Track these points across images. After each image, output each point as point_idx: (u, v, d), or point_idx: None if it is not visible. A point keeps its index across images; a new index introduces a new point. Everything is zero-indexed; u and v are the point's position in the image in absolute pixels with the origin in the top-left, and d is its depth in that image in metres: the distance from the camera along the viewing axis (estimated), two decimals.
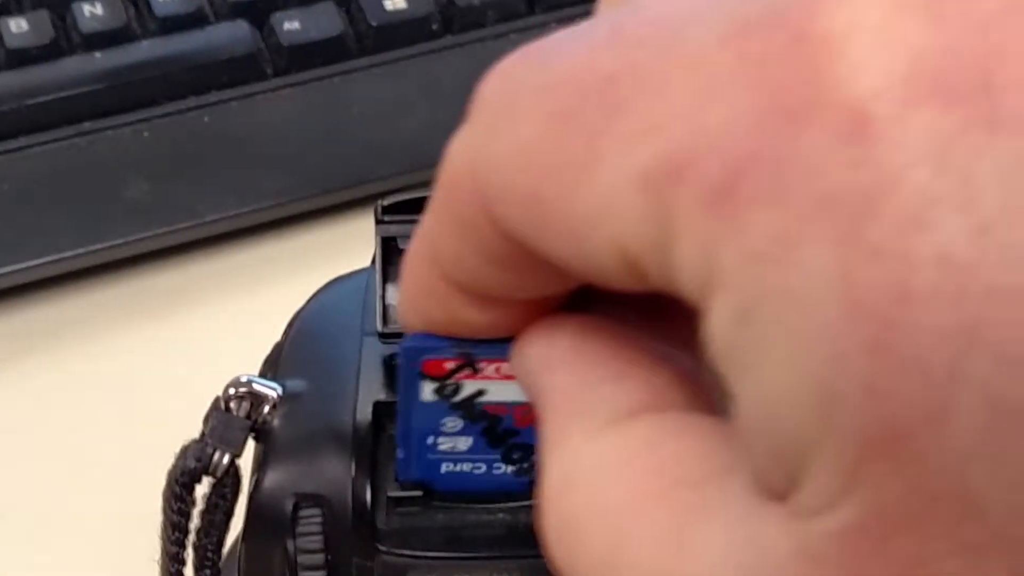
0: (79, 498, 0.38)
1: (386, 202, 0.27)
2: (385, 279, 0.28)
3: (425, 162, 0.44)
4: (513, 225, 0.17)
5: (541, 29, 0.46)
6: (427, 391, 0.25)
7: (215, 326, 0.42)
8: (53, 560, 0.37)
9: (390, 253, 0.28)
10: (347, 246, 0.38)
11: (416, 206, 0.28)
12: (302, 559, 0.26)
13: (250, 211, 0.43)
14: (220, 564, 0.28)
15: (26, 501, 0.38)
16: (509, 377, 0.24)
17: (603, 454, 0.17)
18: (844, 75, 0.14)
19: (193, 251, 0.43)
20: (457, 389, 0.25)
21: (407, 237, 0.27)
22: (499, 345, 0.25)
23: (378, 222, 0.27)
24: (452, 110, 0.44)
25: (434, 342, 0.24)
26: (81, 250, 0.41)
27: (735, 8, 0.15)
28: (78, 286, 0.42)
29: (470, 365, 0.24)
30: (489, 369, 0.24)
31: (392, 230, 0.27)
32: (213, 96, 0.44)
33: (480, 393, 0.25)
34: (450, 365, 0.24)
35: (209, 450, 0.27)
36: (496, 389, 0.25)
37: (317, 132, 0.44)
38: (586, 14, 0.49)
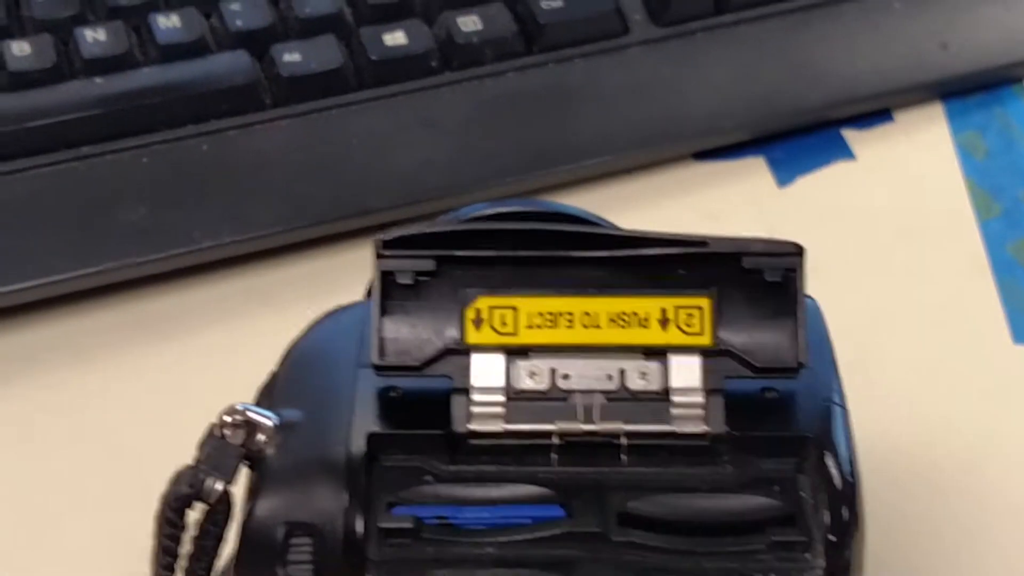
0: (69, 522, 0.38)
1: (386, 237, 0.28)
2: (383, 312, 0.28)
3: (421, 195, 0.45)
4: None
5: (540, 68, 0.47)
6: None
7: (208, 353, 0.42)
8: None
9: (388, 287, 0.28)
10: (341, 277, 0.38)
11: (415, 242, 0.28)
12: None
13: (246, 239, 0.43)
14: None
15: (15, 524, 0.38)
16: None
17: None
18: None
19: (188, 277, 0.43)
20: None
21: (405, 272, 0.28)
22: (479, 515, 0.26)
23: (378, 256, 0.28)
24: (449, 145, 0.46)
25: (419, 511, 0.27)
26: (76, 273, 0.41)
27: None
28: (72, 309, 0.42)
29: None
30: None
31: (391, 264, 0.28)
32: (212, 124, 0.44)
33: None
34: None
35: (202, 476, 0.27)
36: None
37: (314, 163, 0.44)
38: (583, 56, 0.49)
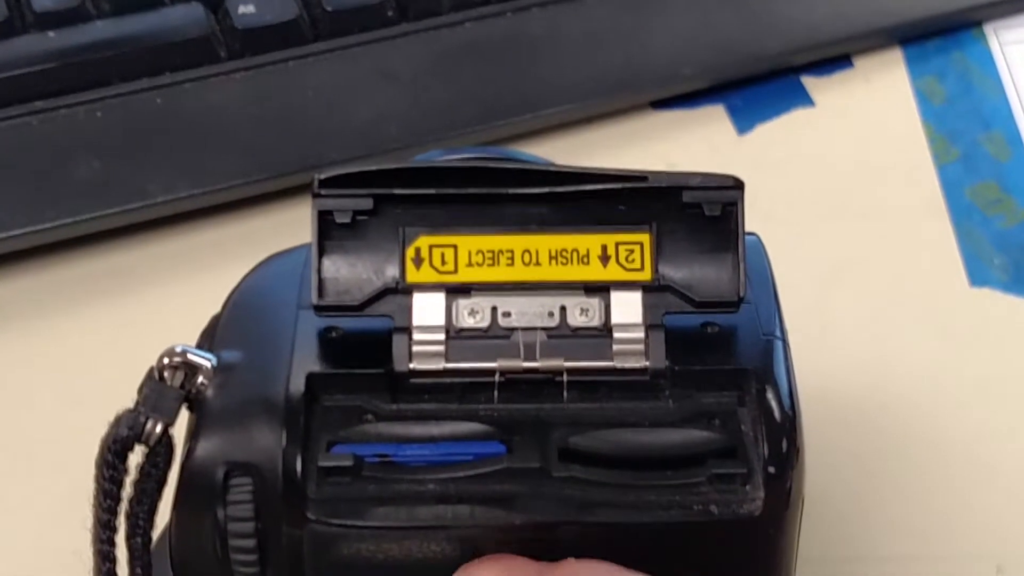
0: (23, 471, 0.38)
1: (323, 176, 0.28)
2: (321, 252, 0.28)
3: (379, 147, 0.44)
4: None
5: (497, 18, 0.46)
6: None
7: (164, 307, 0.42)
8: None
9: (326, 227, 0.28)
10: (297, 229, 0.38)
11: (353, 180, 0.28)
12: (232, 527, 0.26)
13: (201, 193, 0.43)
14: (152, 533, 0.28)
15: None
16: None
17: None
18: None
19: (143, 232, 0.43)
20: None
21: (343, 211, 0.28)
22: (420, 452, 0.26)
23: (314, 196, 0.28)
24: (406, 96, 0.45)
25: (360, 449, 0.26)
26: (30, 229, 0.41)
27: None
28: (27, 265, 0.42)
29: None
30: None
31: (329, 204, 0.28)
32: (166, 78, 0.44)
33: None
34: None
35: (142, 419, 0.27)
36: None
37: (270, 116, 0.44)
38: (541, 5, 0.49)
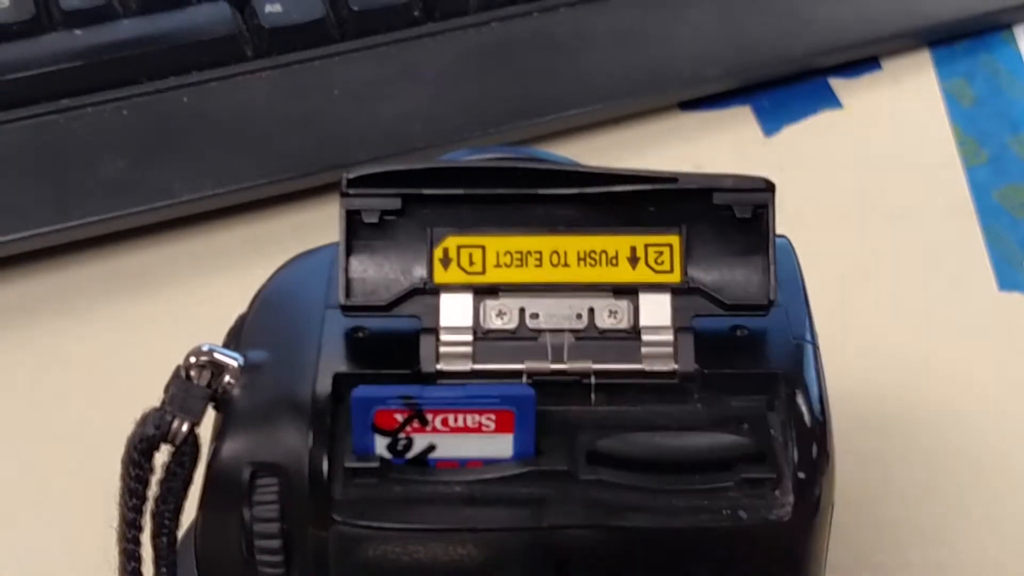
0: (47, 468, 0.38)
1: (351, 175, 0.28)
2: (349, 252, 0.28)
3: (405, 146, 0.44)
4: None
5: (524, 18, 0.46)
6: (380, 447, 0.26)
7: (189, 306, 0.42)
8: (14, 523, 0.37)
9: (354, 227, 0.28)
10: (324, 229, 0.38)
11: (381, 180, 0.28)
12: (258, 528, 0.26)
13: (227, 192, 0.43)
14: (178, 532, 0.28)
15: None
16: (458, 430, 0.25)
17: None
18: None
19: (169, 231, 0.43)
20: (409, 445, 0.26)
21: (371, 211, 0.28)
22: (445, 394, 0.25)
23: (342, 195, 0.28)
24: (432, 96, 0.45)
25: (382, 391, 0.25)
26: (56, 226, 0.41)
27: None
28: (52, 263, 0.42)
29: (418, 416, 0.25)
30: (437, 421, 0.25)
31: (356, 203, 0.28)
32: (193, 76, 0.44)
33: (431, 448, 0.26)
34: (399, 417, 0.25)
35: (168, 418, 0.27)
36: (446, 443, 0.26)
37: (296, 115, 0.44)
38: (568, 5, 0.48)
